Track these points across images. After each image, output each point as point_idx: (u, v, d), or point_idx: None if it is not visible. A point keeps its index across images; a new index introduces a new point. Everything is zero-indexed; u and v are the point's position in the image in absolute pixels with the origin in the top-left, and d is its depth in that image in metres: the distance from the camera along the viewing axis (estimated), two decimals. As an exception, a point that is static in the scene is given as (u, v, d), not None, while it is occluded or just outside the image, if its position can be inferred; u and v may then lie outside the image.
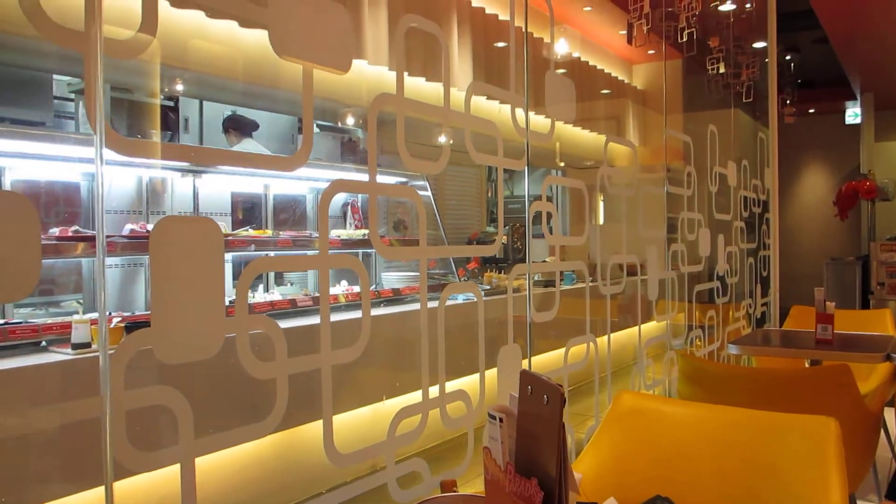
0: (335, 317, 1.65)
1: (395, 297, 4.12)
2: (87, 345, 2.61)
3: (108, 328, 2.60)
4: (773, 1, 5.49)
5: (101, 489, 1.23)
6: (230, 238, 3.46)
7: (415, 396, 1.97)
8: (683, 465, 1.86)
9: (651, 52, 6.69)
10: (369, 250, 4.37)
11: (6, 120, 3.60)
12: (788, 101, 10.22)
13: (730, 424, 1.87)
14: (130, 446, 1.21)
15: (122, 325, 2.80)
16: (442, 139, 4.50)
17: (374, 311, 1.82)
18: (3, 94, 3.68)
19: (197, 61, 3.70)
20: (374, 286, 4.46)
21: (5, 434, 2.11)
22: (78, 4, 1.23)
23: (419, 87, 4.04)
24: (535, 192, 2.77)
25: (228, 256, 3.60)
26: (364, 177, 1.82)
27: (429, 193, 4.92)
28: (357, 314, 1.77)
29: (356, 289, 4.12)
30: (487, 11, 5.38)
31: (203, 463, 1.34)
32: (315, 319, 3.20)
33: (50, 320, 2.82)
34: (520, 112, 2.45)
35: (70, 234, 2.97)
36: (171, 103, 4.74)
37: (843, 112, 11.76)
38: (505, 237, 5.49)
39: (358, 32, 3.95)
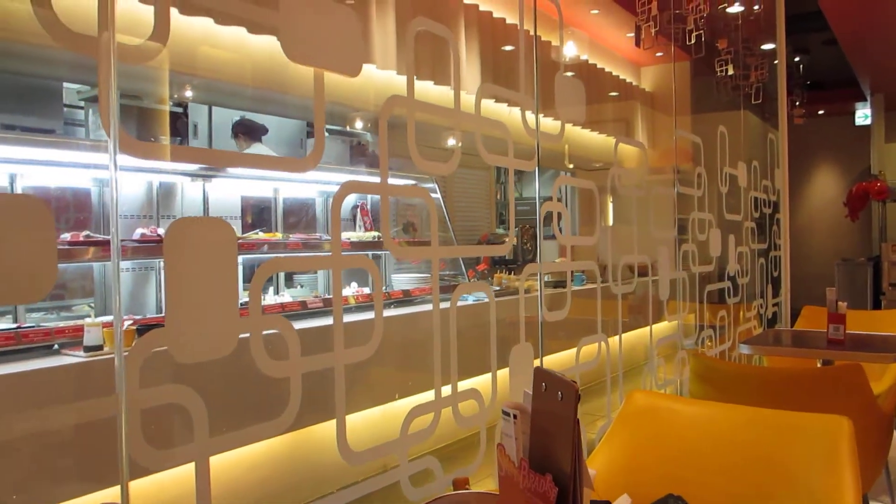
0: (346, 318, 1.66)
1: (406, 298, 4.13)
2: (99, 347, 2.63)
3: (122, 330, 2.63)
4: (782, 2, 5.48)
5: (117, 488, 1.24)
6: (241, 241, 3.47)
7: (427, 396, 1.97)
8: (695, 463, 1.86)
9: (659, 54, 6.69)
10: (379, 252, 4.38)
11: (17, 128, 3.64)
12: (798, 103, 10.20)
13: (742, 423, 1.86)
14: (146, 444, 1.22)
15: (134, 327, 2.81)
16: (451, 142, 4.52)
17: (385, 312, 1.83)
18: (14, 103, 3.71)
19: (206, 67, 3.73)
20: (384, 288, 4.47)
21: (22, 435, 2.13)
22: (89, 12, 1.24)
23: (427, 90, 4.06)
24: (544, 193, 2.78)
25: (239, 259, 3.61)
26: (374, 179, 1.83)
27: (438, 196, 4.94)
28: (368, 315, 1.78)
29: (366, 290, 4.13)
30: (495, 15, 5.39)
31: (216, 462, 1.34)
32: (326, 321, 3.23)
33: (62, 324, 2.85)
34: (529, 114, 2.46)
35: (81, 238, 2.99)
36: (181, 109, 4.76)
37: (853, 113, 11.72)
38: (514, 238, 5.50)
39: (366, 37, 3.97)
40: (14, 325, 2.83)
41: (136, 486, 1.25)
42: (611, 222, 5.02)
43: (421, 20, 2.02)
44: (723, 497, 1.77)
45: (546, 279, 2.68)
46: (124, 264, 3.50)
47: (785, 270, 5.45)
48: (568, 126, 2.74)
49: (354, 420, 1.68)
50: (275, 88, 4.02)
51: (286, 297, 3.96)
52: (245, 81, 3.98)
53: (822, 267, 10.75)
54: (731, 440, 1.85)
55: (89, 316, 3.29)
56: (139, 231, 3.32)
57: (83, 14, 1.30)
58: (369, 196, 4.87)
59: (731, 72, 6.36)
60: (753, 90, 6.55)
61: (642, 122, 7.45)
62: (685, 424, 1.94)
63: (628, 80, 7.51)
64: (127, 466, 1.21)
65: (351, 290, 4.11)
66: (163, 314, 3.48)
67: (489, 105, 2.45)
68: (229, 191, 4.17)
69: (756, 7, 6.34)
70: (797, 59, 9.76)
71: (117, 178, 1.27)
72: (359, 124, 5.06)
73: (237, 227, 4.21)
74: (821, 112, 11.90)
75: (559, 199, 2.69)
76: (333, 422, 1.61)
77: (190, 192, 3.90)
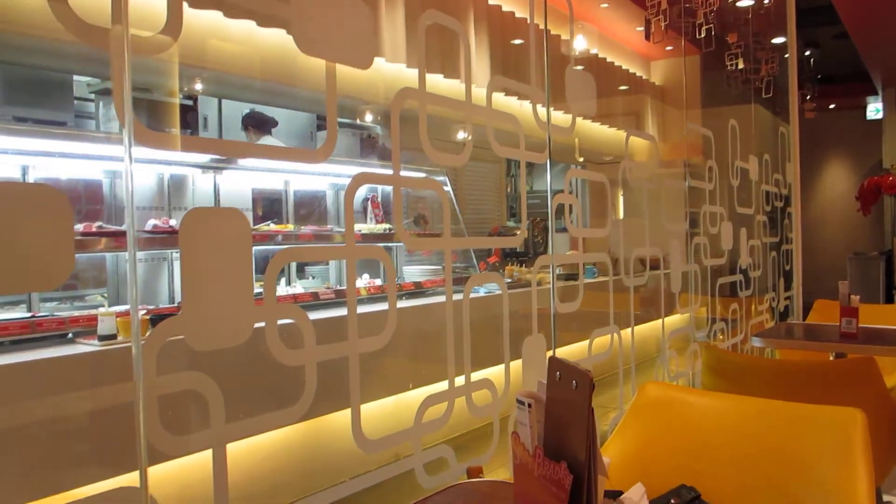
0: (359, 309, 1.67)
1: (417, 290, 4.14)
2: (113, 336, 2.65)
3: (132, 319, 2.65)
4: (792, -4, 5.46)
5: (135, 474, 1.25)
6: (253, 232, 3.48)
7: (440, 386, 1.98)
8: (708, 455, 1.85)
9: (669, 48, 6.66)
10: (390, 244, 4.39)
11: (29, 120, 3.65)
12: (809, 97, 10.13)
13: (755, 415, 1.86)
14: (164, 430, 1.23)
15: (147, 317, 2.83)
16: (461, 135, 4.52)
17: (398, 304, 1.83)
18: (26, 95, 3.73)
19: (215, 60, 3.74)
20: (397, 279, 4.47)
21: (40, 421, 2.15)
22: (102, 5, 1.25)
23: (437, 83, 4.06)
24: (555, 187, 2.78)
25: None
26: (385, 172, 1.83)
27: (449, 188, 4.94)
28: (379, 307, 1.79)
29: (377, 282, 4.14)
30: (504, 9, 5.38)
31: (231, 450, 1.35)
32: (337, 312, 3.25)
33: (76, 313, 2.87)
34: (540, 107, 2.46)
35: (94, 229, 3.00)
36: (190, 102, 4.78)
37: (865, 107, 11.64)
38: (526, 231, 5.51)
39: (375, 30, 3.97)
40: (28, 315, 2.85)
41: (153, 471, 1.26)
42: (621, 215, 5.02)
43: (432, 13, 2.01)
44: (735, 488, 1.77)
45: (557, 272, 2.68)
46: (137, 255, 3.51)
47: (797, 264, 5.43)
48: (578, 119, 2.74)
49: (367, 409, 1.68)
50: (284, 81, 4.03)
51: (298, 288, 3.98)
52: (254, 74, 3.98)
53: (833, 261, 10.70)
54: (743, 432, 1.85)
55: (102, 306, 3.31)
56: (151, 222, 3.34)
57: (96, 7, 1.30)
58: (380, 189, 4.87)
59: (741, 66, 6.33)
60: (764, 84, 6.51)
61: (652, 116, 7.43)
62: (698, 416, 1.94)
63: (638, 74, 7.48)
64: (145, 452, 1.22)
65: (363, 282, 4.12)
66: (175, 304, 3.50)
67: (499, 98, 2.46)
68: (240, 183, 4.19)
69: (766, 1, 6.30)
70: (808, 52, 9.70)
71: (132, 170, 1.28)
72: (368, 117, 5.06)
73: (248, 219, 4.21)
74: (832, 106, 11.82)
75: (570, 192, 2.69)
76: (345, 412, 1.62)
77: (201, 185, 3.91)
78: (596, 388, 1.13)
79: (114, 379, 2.50)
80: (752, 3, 6.31)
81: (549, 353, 2.45)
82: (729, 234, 4.36)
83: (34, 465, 2.15)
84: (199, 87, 4.33)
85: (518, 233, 2.48)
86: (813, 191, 12.03)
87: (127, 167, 1.25)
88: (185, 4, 1.36)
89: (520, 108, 2.51)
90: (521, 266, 5.04)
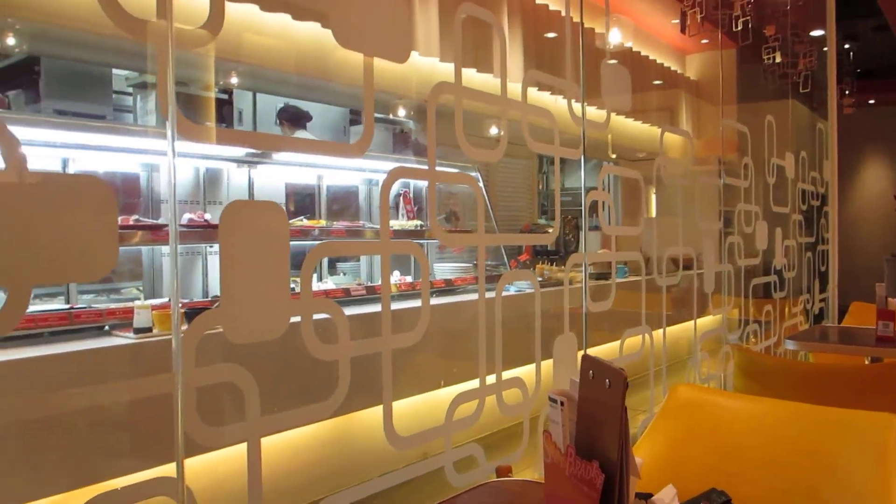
0: (391, 305, 1.68)
1: (448, 287, 4.14)
2: (149, 329, 2.69)
3: (170, 313, 2.69)
4: (832, -12, 5.35)
5: (171, 465, 1.27)
6: (286, 227, 3.51)
7: (471, 384, 1.99)
8: (739, 458, 1.84)
9: (704, 41, 6.57)
10: (421, 241, 4.40)
11: (69, 113, 3.71)
12: (847, 92, 9.93)
13: (788, 419, 1.84)
14: (201, 422, 1.25)
15: (182, 311, 2.87)
16: (493, 130, 4.51)
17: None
18: (65, 89, 3.79)
19: (250, 54, 3.77)
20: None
21: (78, 411, 2.20)
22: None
23: (469, 78, 4.04)
24: (588, 184, 2.76)
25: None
26: (419, 167, 1.84)
27: (482, 185, 4.93)
28: (410, 304, 1.79)
29: (408, 279, 4.15)
30: (537, 2, 5.35)
31: (263, 444, 1.37)
32: (369, 308, 3.27)
33: (112, 306, 2.92)
34: (574, 102, 2.44)
35: (131, 222, 3.05)
36: (226, 96, 4.82)
37: (906, 103, 11.39)
38: (559, 229, 5.49)
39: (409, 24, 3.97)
40: (67, 306, 2.90)
41: (189, 463, 1.29)
42: (653, 214, 4.97)
43: (468, 6, 2.01)
44: (766, 492, 1.75)
45: (588, 271, 2.67)
46: (169, 249, 3.56)
47: (833, 265, 5.33)
48: (611, 115, 2.72)
49: (396, 407, 1.69)
50: (318, 75, 4.05)
51: (329, 284, 4.00)
52: (289, 68, 4.01)
53: (870, 262, 10.48)
54: (775, 436, 1.83)
55: (138, 299, 3.36)
56: (186, 216, 3.38)
57: (139, 1, 1.32)
58: (412, 185, 4.88)
59: (778, 59, 6.22)
60: (801, 78, 6.39)
61: (687, 112, 7.34)
62: (729, 419, 1.92)
63: (673, 68, 7.39)
64: (182, 443, 1.24)
65: (394, 279, 4.13)
66: (209, 298, 3.55)
67: (532, 93, 2.45)
68: (274, 178, 4.22)
69: (805, -8, 6.20)
70: (847, 46, 9.50)
71: (175, 164, 1.30)
72: (401, 112, 5.07)
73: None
74: (871, 101, 11.57)
75: (604, 189, 2.67)
76: (373, 409, 1.63)
77: (235, 179, 3.95)
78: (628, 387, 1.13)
79: (150, 371, 2.54)
80: (791, -6, 6.22)
81: (580, 353, 2.44)
82: (764, 234, 4.30)
83: (73, 454, 2.19)
84: (234, 80, 4.38)
85: (550, 230, 2.47)
86: (850, 189, 11.80)
87: (170, 161, 1.27)
88: (226, -1, 1.38)
89: (553, 103, 2.50)
90: (551, 265, 5.01)
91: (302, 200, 4.63)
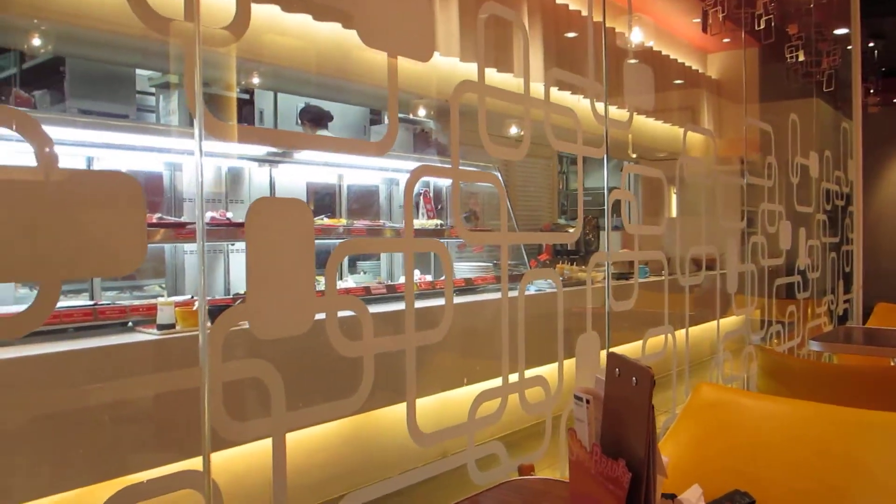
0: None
1: (467, 286, 4.14)
2: (172, 326, 2.71)
3: (192, 310, 2.71)
4: (857, -15, 5.29)
5: (197, 459, 1.28)
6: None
7: (494, 382, 1.98)
8: (764, 459, 1.82)
9: (726, 40, 6.51)
10: (441, 240, 4.41)
11: (94, 112, 3.75)
12: (872, 91, 9.81)
13: (813, 420, 1.82)
14: (227, 417, 1.26)
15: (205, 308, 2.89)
16: (513, 130, 4.50)
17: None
18: (90, 88, 3.83)
19: (271, 54, 3.79)
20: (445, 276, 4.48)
21: (104, 406, 2.22)
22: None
23: (490, 77, 4.04)
24: (609, 183, 2.75)
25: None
26: (442, 166, 1.84)
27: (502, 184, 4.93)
28: (430, 302, 1.79)
29: (428, 277, 4.15)
30: (557, 2, 5.33)
31: (287, 439, 1.38)
32: (389, 307, 3.28)
33: (136, 302, 2.94)
34: (597, 101, 2.44)
35: (154, 220, 3.08)
36: (247, 96, 4.85)
37: (932, 102, 11.22)
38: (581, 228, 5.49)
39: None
40: (91, 302, 2.93)
41: (214, 457, 1.29)
42: (674, 213, 4.93)
43: (490, 5, 2.01)
44: (791, 494, 1.73)
45: (610, 271, 2.66)
46: (192, 246, 3.60)
47: (857, 265, 5.27)
48: (633, 114, 2.71)
49: (419, 404, 1.70)
50: (339, 75, 4.07)
51: (350, 282, 4.02)
52: (310, 68, 4.03)
53: (896, 263, 10.34)
54: (801, 437, 1.81)
55: (161, 296, 3.39)
56: (209, 214, 3.41)
57: (165, 1, 1.33)
58: (432, 184, 4.89)
59: (801, 58, 6.15)
60: (825, 77, 6.32)
61: (708, 111, 7.28)
62: (754, 419, 1.91)
63: (694, 68, 7.33)
64: (209, 437, 1.25)
65: (414, 278, 4.13)
66: (230, 296, 3.58)
67: (552, 92, 2.45)
68: (295, 177, 4.24)
69: (829, -11, 6.14)
70: (872, 44, 9.38)
71: (202, 163, 1.31)
72: (422, 112, 5.07)
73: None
74: (896, 100, 11.42)
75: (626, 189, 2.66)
76: (394, 407, 1.63)
77: (257, 178, 3.98)
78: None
79: (175, 367, 2.56)
80: (815, -9, 6.16)
81: (603, 352, 2.43)
82: (787, 234, 4.26)
83: (99, 447, 2.22)
84: (255, 80, 4.40)
85: (571, 230, 2.47)
86: (875, 189, 11.64)
87: (198, 160, 1.28)
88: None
89: (574, 103, 2.49)
90: (571, 264, 5.00)
91: (322, 199, 4.65)
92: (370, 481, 1.58)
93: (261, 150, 3.68)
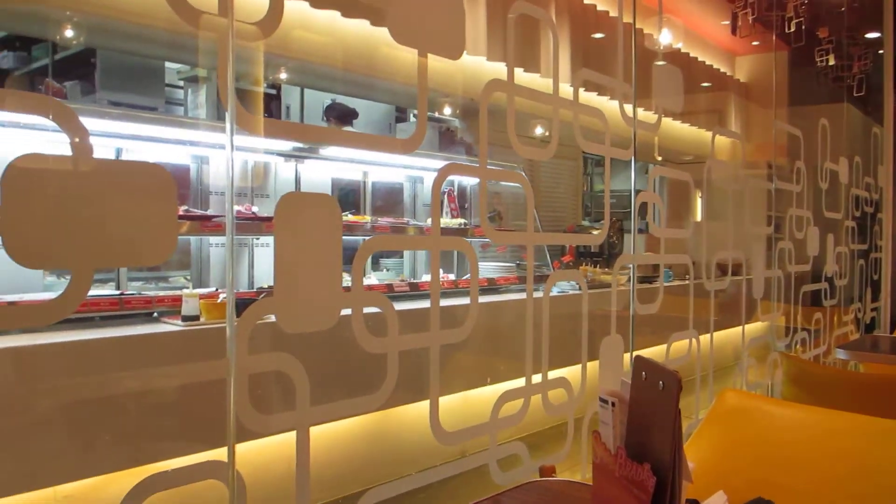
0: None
1: (490, 286, 4.14)
2: (196, 317, 2.73)
3: (217, 302, 2.73)
4: (889, -12, 5.21)
5: (222, 450, 1.29)
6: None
7: (517, 382, 1.98)
8: (788, 468, 1.80)
9: (755, 43, 6.45)
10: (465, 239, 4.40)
11: (123, 104, 3.79)
12: (904, 97, 9.65)
13: (839, 429, 1.79)
14: (252, 409, 1.27)
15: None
16: (538, 130, 4.48)
17: (469, 299, 1.85)
18: (120, 80, 3.86)
19: (299, 50, 3.80)
20: (468, 275, 4.48)
21: (130, 394, 2.25)
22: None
23: (517, 77, 4.03)
24: (629, 186, 2.74)
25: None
26: (469, 164, 1.84)
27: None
28: (453, 301, 1.79)
29: (451, 276, 4.15)
30: (585, 2, 5.31)
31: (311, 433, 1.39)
32: (412, 304, 3.28)
33: (161, 293, 2.97)
34: (626, 103, 2.42)
35: (181, 213, 3.10)
36: (274, 91, 4.87)
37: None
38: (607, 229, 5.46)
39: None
40: (118, 292, 2.97)
41: (238, 448, 1.30)
42: (699, 217, 4.89)
43: (521, 4, 2.01)
44: (815, 503, 1.71)
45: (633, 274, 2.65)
46: (217, 239, 3.63)
47: (886, 273, 5.20)
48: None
49: (441, 402, 1.70)
50: (365, 72, 4.07)
51: (373, 279, 4.03)
52: (336, 64, 4.04)
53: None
54: (826, 446, 1.78)
55: (186, 287, 3.42)
56: (235, 208, 3.42)
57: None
58: (456, 183, 4.89)
59: (832, 62, 6.08)
60: (856, 82, 6.23)
61: (736, 114, 7.21)
62: (778, 427, 1.89)
63: (722, 70, 7.27)
64: (234, 429, 1.26)
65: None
66: (254, 289, 3.60)
67: (579, 93, 2.44)
68: (320, 173, 4.26)
69: (860, -7, 6.05)
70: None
71: (233, 157, 1.32)
72: (447, 110, 5.07)
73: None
74: (928, 108, 11.23)
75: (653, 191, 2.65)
76: (414, 405, 1.63)
77: (283, 173, 4.00)
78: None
79: (199, 358, 2.58)
80: (847, -5, 6.07)
81: (627, 355, 2.42)
82: (815, 240, 4.20)
83: (125, 435, 2.24)
84: (283, 76, 4.42)
85: (595, 232, 2.45)
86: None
87: (229, 155, 1.29)
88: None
89: (601, 104, 2.48)
90: (594, 266, 4.97)
91: (347, 196, 4.66)
92: (389, 478, 1.58)
93: (286, 145, 3.70)
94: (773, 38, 5.08)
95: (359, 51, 3.91)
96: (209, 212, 3.48)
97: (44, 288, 3.00)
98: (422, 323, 1.64)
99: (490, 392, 3.07)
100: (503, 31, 4.24)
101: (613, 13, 5.31)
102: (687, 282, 2.98)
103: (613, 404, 1.22)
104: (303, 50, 3.83)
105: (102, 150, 3.19)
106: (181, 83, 4.58)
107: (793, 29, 5.25)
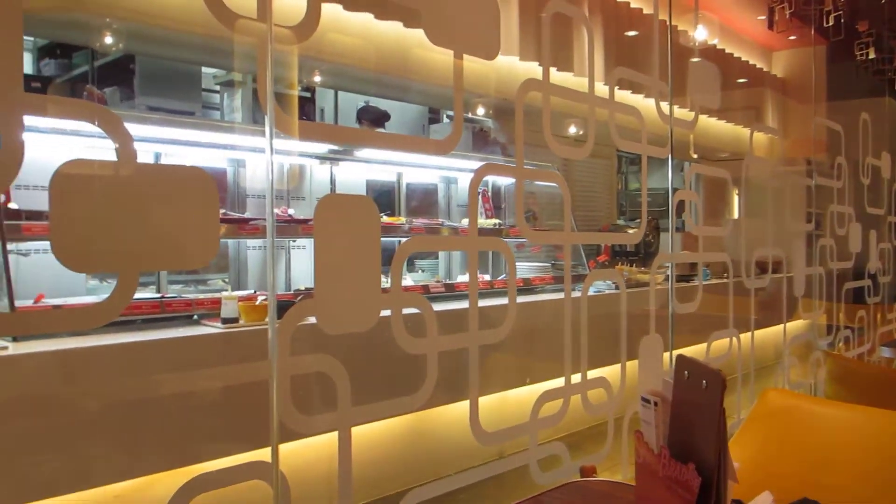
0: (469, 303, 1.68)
1: (526, 286, 4.12)
2: (235, 320, 2.76)
3: (256, 304, 2.76)
4: (934, -21, 5.08)
5: (265, 450, 1.31)
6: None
7: (556, 382, 1.97)
8: (834, 468, 1.76)
9: (793, 37, 6.34)
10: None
11: (162, 109, 3.85)
12: (948, 90, 9.41)
13: (885, 429, 1.76)
14: (294, 410, 1.28)
15: (267, 303, 2.94)
16: (572, 129, 4.45)
17: (505, 300, 1.84)
18: (158, 86, 3.92)
19: (332, 52, 3.83)
20: (504, 276, 4.48)
21: (174, 396, 2.28)
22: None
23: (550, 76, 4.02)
24: (664, 184, 2.71)
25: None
26: (506, 164, 1.83)
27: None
28: (489, 302, 1.79)
29: (486, 277, 4.15)
30: (618, 0, 5.27)
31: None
32: (448, 305, 3.28)
33: (200, 296, 3.01)
34: (662, 101, 2.40)
35: (221, 216, 3.14)
36: (308, 94, 4.91)
37: None
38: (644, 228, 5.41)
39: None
40: (158, 295, 3.01)
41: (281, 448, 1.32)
42: (736, 215, 4.82)
43: (555, 3, 2.00)
44: (861, 503, 1.68)
45: (668, 273, 2.63)
46: (255, 242, 3.67)
47: (931, 269, 5.06)
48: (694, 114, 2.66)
49: (480, 403, 1.70)
50: (398, 74, 4.09)
51: (408, 280, 4.04)
52: (370, 67, 4.06)
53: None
54: (872, 445, 1.75)
55: (225, 290, 3.47)
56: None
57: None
58: (490, 183, 4.88)
59: (872, 56, 5.95)
60: (898, 75, 6.10)
61: (773, 110, 7.09)
62: (823, 427, 1.85)
63: (758, 66, 7.15)
64: (277, 429, 1.27)
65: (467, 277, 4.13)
66: (292, 291, 3.63)
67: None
68: (355, 175, 4.28)
69: (902, -16, 5.91)
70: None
71: (273, 160, 1.33)
72: (480, 111, 5.06)
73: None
74: (973, 100, 10.94)
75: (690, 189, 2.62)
76: (453, 405, 1.64)
77: (318, 175, 4.03)
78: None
79: (240, 360, 2.61)
80: (887, -13, 5.94)
81: (666, 354, 2.40)
82: (857, 236, 4.12)
83: (170, 436, 2.28)
84: (317, 79, 4.45)
85: (631, 231, 2.43)
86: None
87: (268, 158, 1.31)
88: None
89: (635, 101, 2.46)
90: (631, 265, 4.93)
91: (381, 197, 4.68)
92: (429, 478, 1.59)
93: (322, 147, 3.72)
94: (812, 32, 4.99)
95: (392, 53, 3.92)
96: (246, 214, 3.52)
97: (87, 291, 3.06)
98: (459, 323, 1.64)
99: (527, 392, 3.06)
100: (535, 30, 4.23)
101: (647, 10, 5.26)
102: (725, 280, 2.94)
103: (656, 404, 1.22)
104: (336, 52, 3.86)
105: (142, 154, 3.24)
106: (217, 87, 4.64)
107: (831, 22, 5.16)
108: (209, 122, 3.51)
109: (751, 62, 7.01)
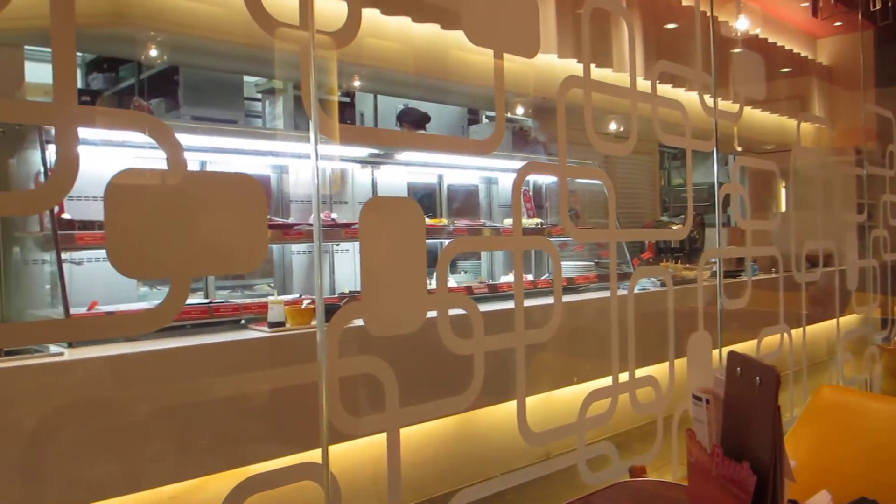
0: (512, 304, 1.68)
1: (570, 285, 4.10)
2: (282, 324, 2.80)
3: (302, 308, 2.79)
4: None
5: (315, 452, 1.32)
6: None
7: (603, 382, 1.96)
8: (892, 466, 1.72)
9: (838, 24, 6.18)
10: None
11: (206, 119, 3.92)
12: None
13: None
14: (343, 411, 1.29)
15: (312, 307, 2.98)
16: (612, 126, 4.41)
17: (550, 299, 1.84)
18: (201, 96, 4.00)
19: (371, 57, 3.85)
20: (547, 275, 4.46)
21: (224, 399, 2.32)
22: (281, 7, 1.32)
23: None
24: (708, 178, 2.67)
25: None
26: (549, 163, 1.83)
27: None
28: (533, 302, 1.78)
29: (529, 277, 4.13)
30: (658, -7, 5.20)
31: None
32: (491, 306, 3.28)
33: (247, 301, 3.06)
34: (705, 94, 2.36)
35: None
36: (348, 99, 4.95)
37: None
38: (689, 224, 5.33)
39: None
40: (207, 301, 3.07)
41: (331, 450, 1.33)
42: (783, 208, 4.72)
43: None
44: (923, 504, 1.63)
45: (714, 269, 2.58)
46: (299, 247, 3.71)
47: None
48: (737, 106, 2.61)
49: (527, 403, 1.69)
50: (437, 76, 4.09)
51: (451, 282, 4.04)
52: (408, 69, 4.07)
53: None
54: (935, 443, 1.70)
55: (271, 294, 3.52)
56: (313, 215, 3.49)
57: (277, 8, 1.38)
58: (532, 182, 4.86)
59: (922, 39, 5.76)
60: (952, 59, 5.89)
61: (819, 99, 6.92)
62: (879, 423, 1.80)
63: (803, 54, 6.99)
64: (327, 430, 1.29)
65: (512, 277, 4.13)
66: (336, 295, 3.67)
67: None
68: (396, 178, 4.31)
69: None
70: None
71: (318, 166, 1.35)
72: (519, 110, 5.04)
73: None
74: None
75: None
76: (499, 405, 1.63)
77: (359, 179, 4.06)
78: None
79: (287, 363, 2.65)
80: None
81: (716, 351, 2.36)
82: (913, 227, 4.00)
83: (221, 439, 2.32)
84: (356, 84, 4.49)
85: (675, 227, 2.40)
86: None
87: (314, 164, 1.32)
88: (344, 4, 1.42)
89: (676, 95, 2.43)
90: (676, 262, 4.86)
91: (423, 200, 4.69)
92: (476, 478, 1.59)
93: (363, 151, 3.75)
94: (859, 17, 4.85)
95: (430, 55, 3.93)
96: (290, 220, 3.57)
97: (138, 298, 3.13)
98: (504, 323, 1.64)
99: (573, 392, 3.03)
100: (573, 27, 4.20)
101: (686, 2, 5.18)
102: (774, 275, 2.88)
103: (708, 401, 1.20)
104: (375, 57, 3.88)
105: (189, 163, 3.31)
106: (259, 95, 4.70)
107: (878, 6, 5.01)
108: (254, 130, 3.57)
109: (795, 51, 6.85)
